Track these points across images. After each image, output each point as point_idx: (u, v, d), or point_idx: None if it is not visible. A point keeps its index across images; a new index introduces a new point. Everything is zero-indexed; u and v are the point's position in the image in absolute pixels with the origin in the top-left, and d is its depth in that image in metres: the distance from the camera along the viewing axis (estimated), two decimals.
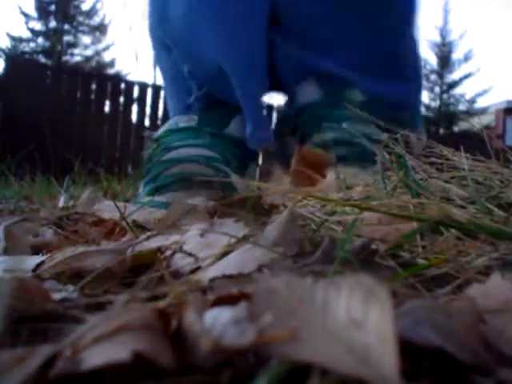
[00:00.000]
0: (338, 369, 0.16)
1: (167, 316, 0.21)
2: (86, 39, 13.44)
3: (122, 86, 4.79)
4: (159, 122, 4.67)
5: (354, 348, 0.16)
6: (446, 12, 15.03)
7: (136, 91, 4.75)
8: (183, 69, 1.08)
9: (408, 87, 1.04)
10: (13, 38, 12.73)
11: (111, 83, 4.79)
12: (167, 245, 0.41)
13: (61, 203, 0.90)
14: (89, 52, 13.50)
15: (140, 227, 0.53)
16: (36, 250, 0.45)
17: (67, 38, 13.23)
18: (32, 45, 13.07)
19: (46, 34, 12.95)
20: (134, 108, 4.76)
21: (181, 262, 0.37)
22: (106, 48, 13.64)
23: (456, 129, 13.70)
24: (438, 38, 14.64)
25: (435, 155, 0.52)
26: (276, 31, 0.99)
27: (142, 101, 4.75)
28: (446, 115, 13.98)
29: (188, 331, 0.20)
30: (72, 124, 4.25)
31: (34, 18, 12.90)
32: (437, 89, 14.47)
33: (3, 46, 12.25)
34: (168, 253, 0.40)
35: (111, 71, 13.34)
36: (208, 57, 1.02)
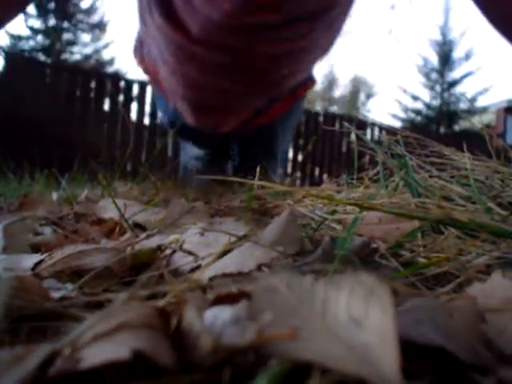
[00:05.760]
0: (338, 368, 0.15)
1: (167, 315, 0.21)
2: (85, 37, 13.43)
3: (122, 84, 4.78)
4: (158, 121, 4.66)
5: (354, 347, 0.16)
6: (447, 10, 15.03)
7: (136, 89, 4.74)
8: None
9: None
10: (12, 36, 12.69)
11: (111, 81, 4.77)
12: (167, 244, 0.41)
13: (54, 197, 0.91)
14: (88, 50, 13.48)
15: (140, 227, 0.53)
16: (35, 249, 0.45)
17: (66, 36, 13.20)
18: (31, 43, 13.04)
19: (46, 31, 12.92)
20: (134, 106, 4.75)
21: (181, 260, 0.37)
22: (106, 46, 13.62)
23: (457, 127, 13.69)
24: (438, 37, 14.63)
25: (436, 154, 0.51)
26: None
27: (141, 99, 4.74)
28: (447, 114, 13.96)
29: (188, 330, 0.20)
30: (71, 122, 4.24)
31: (33, 16, 12.87)
32: (438, 87, 14.46)
33: (2, 44, 12.22)
34: (168, 251, 0.40)
35: (111, 69, 13.33)
36: None
